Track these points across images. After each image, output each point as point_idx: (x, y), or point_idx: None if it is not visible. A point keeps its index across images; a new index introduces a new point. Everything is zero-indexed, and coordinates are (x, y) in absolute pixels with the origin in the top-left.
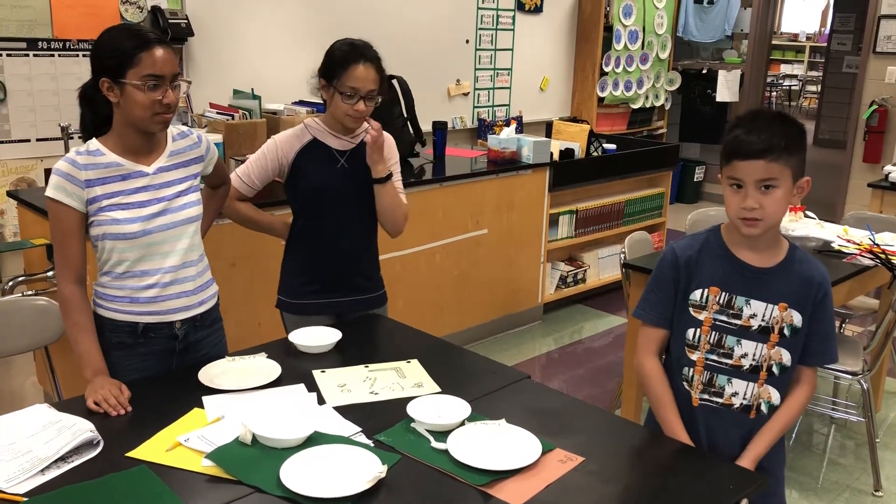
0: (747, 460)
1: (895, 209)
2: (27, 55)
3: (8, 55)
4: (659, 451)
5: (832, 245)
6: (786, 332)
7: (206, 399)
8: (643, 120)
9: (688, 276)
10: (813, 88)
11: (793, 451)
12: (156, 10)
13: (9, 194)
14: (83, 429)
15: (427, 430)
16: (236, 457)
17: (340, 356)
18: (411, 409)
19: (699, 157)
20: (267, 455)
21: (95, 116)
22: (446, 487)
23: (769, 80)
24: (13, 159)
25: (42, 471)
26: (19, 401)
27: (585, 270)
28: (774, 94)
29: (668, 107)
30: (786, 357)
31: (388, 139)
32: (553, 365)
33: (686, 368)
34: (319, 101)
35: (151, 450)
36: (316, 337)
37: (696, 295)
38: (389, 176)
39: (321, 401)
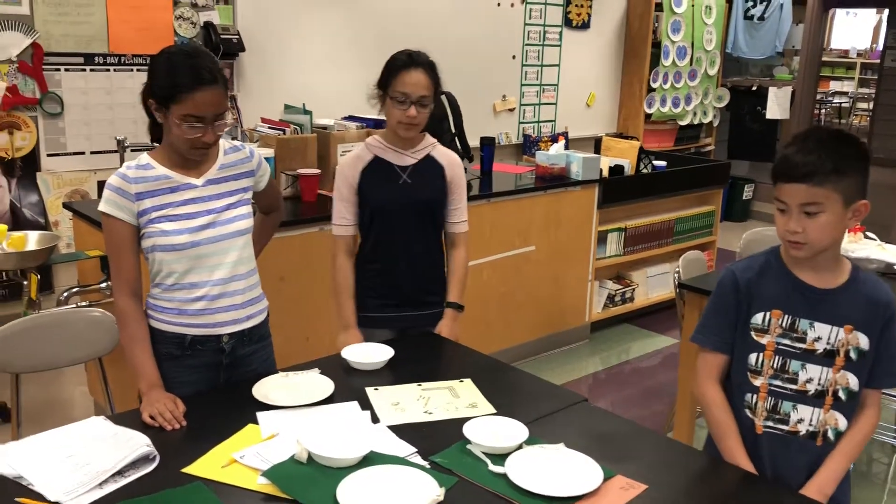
0: (814, 490)
1: None
2: (84, 69)
3: (66, 70)
4: (722, 479)
5: (894, 267)
6: (852, 355)
7: (260, 415)
8: (691, 137)
9: (748, 298)
10: (864, 106)
11: (852, 480)
12: (208, 26)
13: (64, 206)
14: (140, 443)
15: (484, 453)
16: (292, 475)
17: (393, 373)
18: (467, 430)
19: (748, 174)
20: (323, 474)
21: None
22: None
23: (818, 96)
24: (68, 171)
25: (100, 484)
26: (69, 410)
27: (634, 289)
28: (824, 111)
29: (716, 123)
30: (852, 381)
31: (457, 164)
32: (600, 385)
33: (749, 395)
34: (370, 116)
35: (207, 466)
36: (368, 354)
37: (758, 318)
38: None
39: (375, 419)
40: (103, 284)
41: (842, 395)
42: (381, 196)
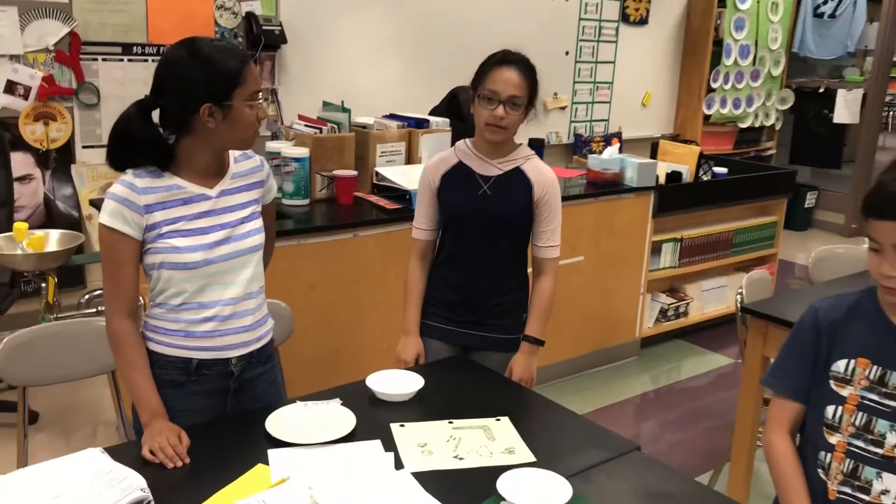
0: None
1: None
2: (121, 60)
3: (103, 59)
4: None
5: None
6: None
7: (271, 453)
8: (751, 140)
9: (830, 342)
10: None
11: None
12: (250, 17)
13: (91, 203)
14: (134, 486)
15: None
16: None
17: (422, 406)
18: (502, 485)
19: (810, 180)
20: None
21: (130, 150)
22: None
23: (887, 98)
24: (103, 164)
25: None
26: (97, 413)
27: (688, 303)
28: (892, 114)
29: (778, 126)
30: None
31: (549, 182)
32: (650, 406)
33: (823, 453)
34: (412, 115)
35: None
36: (395, 384)
37: (840, 366)
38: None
39: (399, 464)
40: None
41: None
42: (455, 203)
